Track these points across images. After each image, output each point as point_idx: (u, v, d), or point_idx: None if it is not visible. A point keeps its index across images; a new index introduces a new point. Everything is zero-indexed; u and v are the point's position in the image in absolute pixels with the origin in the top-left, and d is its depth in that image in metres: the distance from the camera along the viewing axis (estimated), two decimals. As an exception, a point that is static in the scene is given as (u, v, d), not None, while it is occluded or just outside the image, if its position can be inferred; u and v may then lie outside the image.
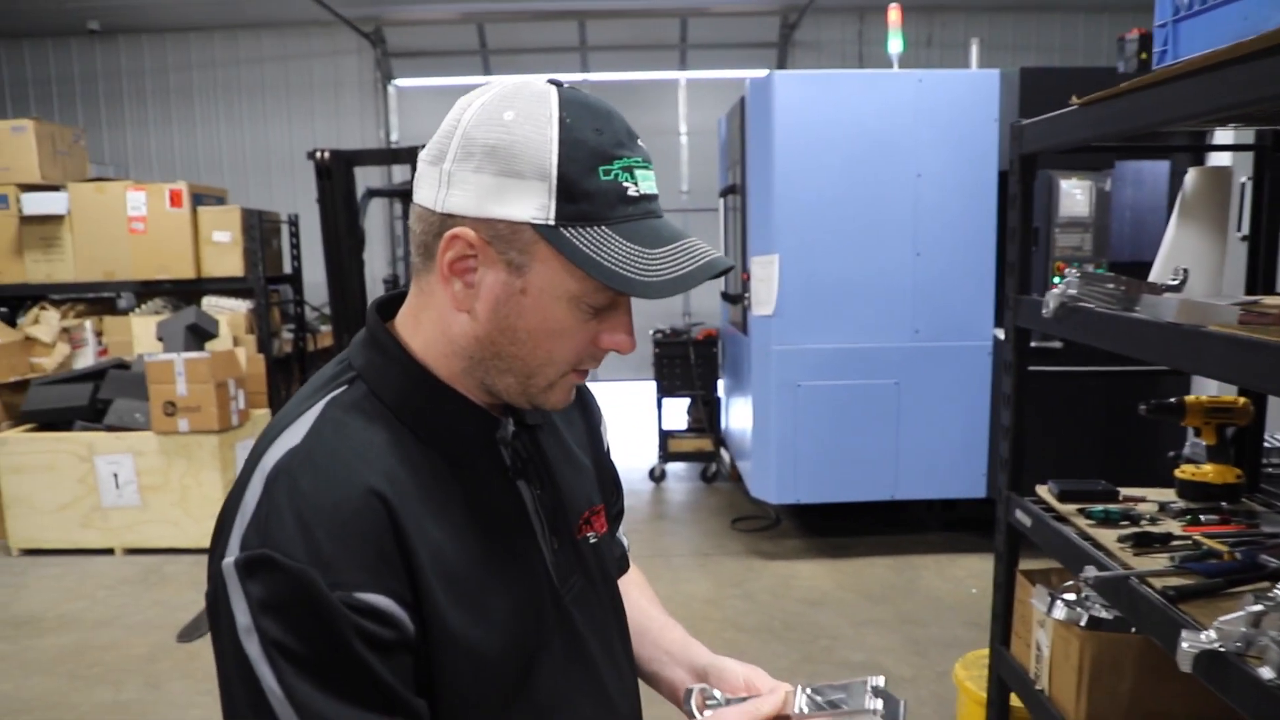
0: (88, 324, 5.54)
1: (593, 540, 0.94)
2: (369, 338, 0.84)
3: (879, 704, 0.82)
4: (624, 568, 1.14)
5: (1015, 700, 2.28)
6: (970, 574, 4.32)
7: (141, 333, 5.25)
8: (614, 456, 1.12)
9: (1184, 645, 1.31)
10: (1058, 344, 3.93)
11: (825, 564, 4.54)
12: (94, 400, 4.80)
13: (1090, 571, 1.57)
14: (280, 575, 0.69)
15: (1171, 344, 1.41)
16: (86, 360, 5.41)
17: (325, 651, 0.69)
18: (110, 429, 4.70)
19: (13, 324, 5.45)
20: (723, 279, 5.38)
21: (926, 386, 4.47)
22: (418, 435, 0.80)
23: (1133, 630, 1.81)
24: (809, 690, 0.86)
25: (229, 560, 0.71)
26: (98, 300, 5.91)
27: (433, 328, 0.81)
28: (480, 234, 0.75)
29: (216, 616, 0.72)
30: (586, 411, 1.06)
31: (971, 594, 4.09)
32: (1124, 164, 4.04)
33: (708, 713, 0.90)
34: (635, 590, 1.14)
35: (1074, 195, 3.96)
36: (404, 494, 0.76)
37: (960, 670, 2.56)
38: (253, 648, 0.69)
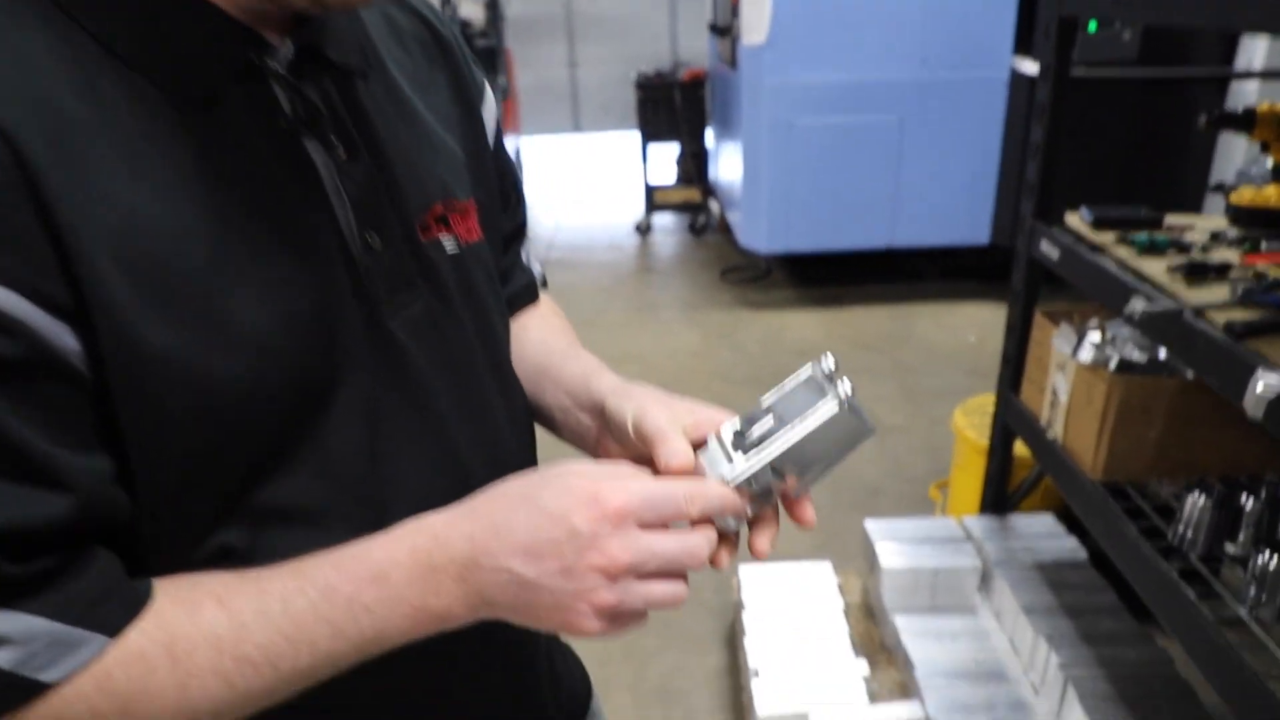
0: None
1: (450, 248, 0.65)
2: None
3: (828, 408, 0.56)
4: (528, 298, 0.87)
5: (1018, 449, 2.14)
6: (969, 322, 4.15)
7: None
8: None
9: (1259, 388, 1.09)
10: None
11: (817, 314, 4.36)
12: None
13: (1139, 305, 1.32)
14: None
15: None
16: None
17: None
18: None
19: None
20: (711, 7, 4.81)
21: (932, 124, 4.08)
22: (114, 51, 0.49)
23: (1171, 375, 1.60)
24: (736, 425, 0.61)
25: None
26: None
27: None
28: None
29: None
30: (458, 79, 0.74)
31: (969, 343, 3.93)
32: None
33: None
34: (538, 323, 0.87)
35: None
36: (64, 137, 0.46)
37: (960, 418, 2.41)
38: None
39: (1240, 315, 1.28)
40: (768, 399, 0.61)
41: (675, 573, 0.56)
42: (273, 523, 0.56)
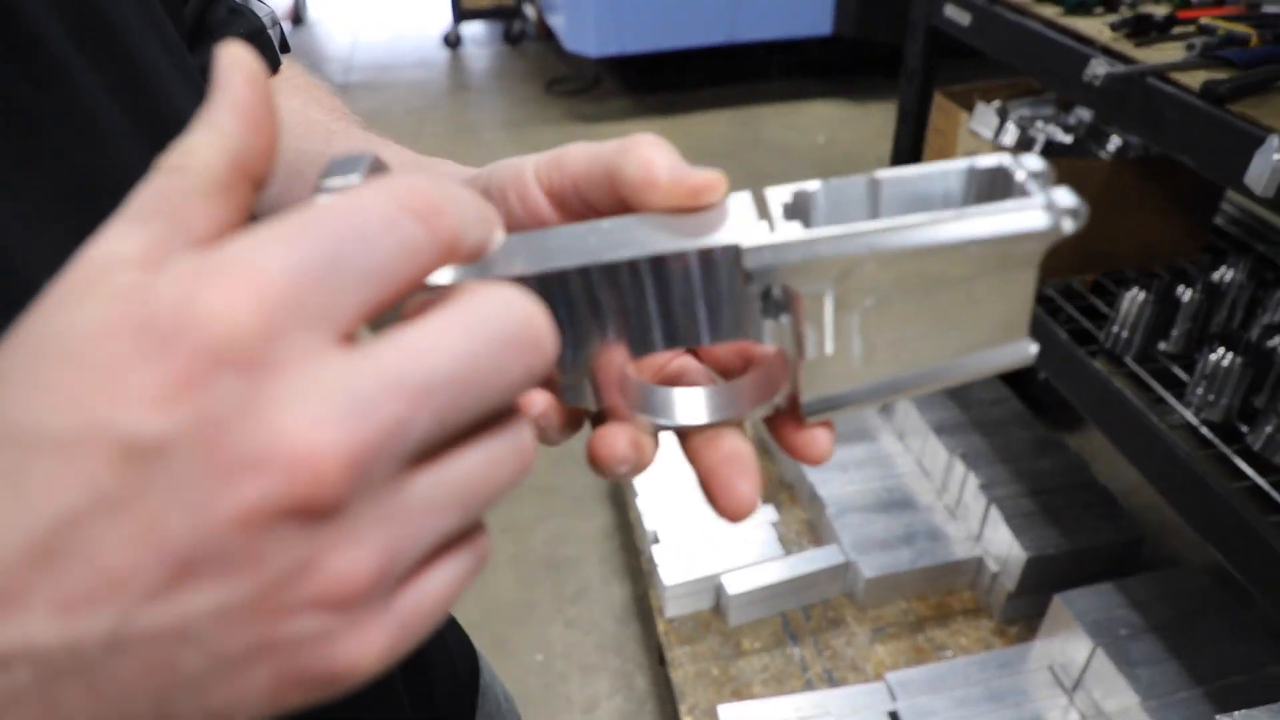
0: None
1: None
2: None
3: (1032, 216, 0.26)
4: (266, 61, 0.51)
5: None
6: (817, 121, 3.92)
7: None
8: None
9: (1275, 156, 0.88)
10: None
11: (657, 122, 4.01)
12: None
13: (1100, 67, 1.09)
14: None
15: None
16: None
17: None
18: None
19: None
20: None
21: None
22: None
23: (1093, 158, 1.41)
24: (787, 196, 0.28)
25: None
26: None
27: None
28: None
29: None
30: None
31: (819, 143, 3.72)
32: None
33: None
34: (294, 98, 0.52)
35: None
36: None
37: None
38: None
39: (1209, 76, 1.07)
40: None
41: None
42: None
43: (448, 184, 0.22)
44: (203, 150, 0.21)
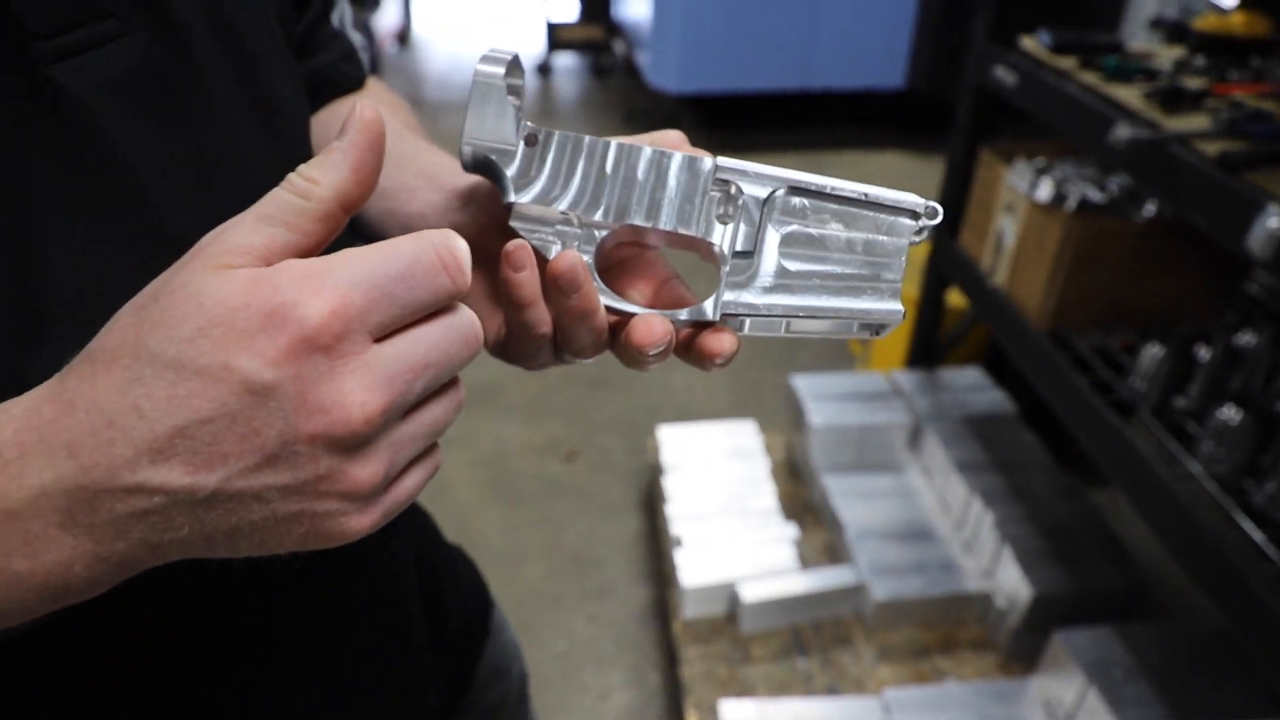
0: None
1: None
2: None
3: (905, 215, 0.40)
4: (347, 78, 0.64)
5: (950, 300, 2.03)
6: (882, 170, 4.01)
7: None
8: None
9: (1272, 223, 0.95)
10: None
11: (728, 162, 4.14)
12: None
13: (1124, 130, 1.17)
14: None
15: None
16: None
17: None
18: None
19: None
20: None
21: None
22: None
23: (1126, 218, 1.48)
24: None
25: None
26: None
27: None
28: None
29: None
30: None
31: (884, 191, 3.80)
32: None
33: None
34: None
35: None
36: None
37: (887, 268, 2.28)
38: None
39: (1229, 146, 1.14)
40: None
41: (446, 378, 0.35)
42: None
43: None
44: (321, 187, 0.33)
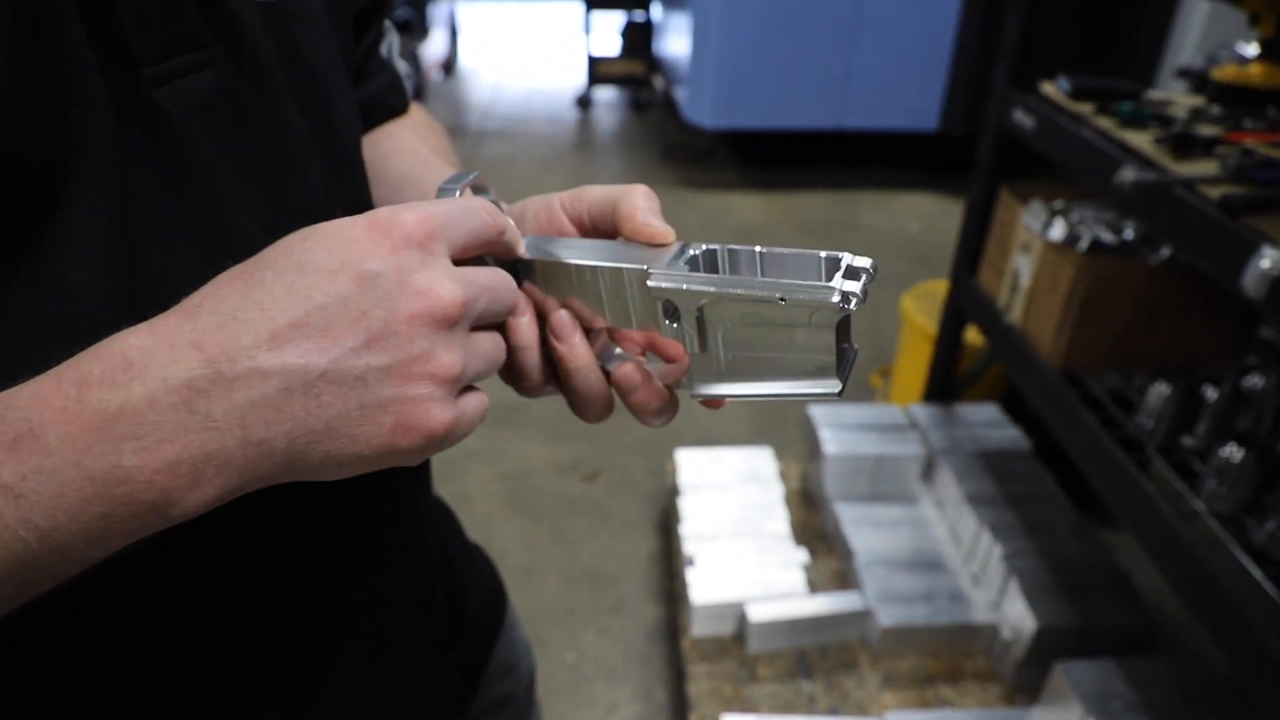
0: None
1: None
2: None
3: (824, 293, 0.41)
4: (393, 104, 0.71)
5: (969, 337, 2.06)
6: (912, 210, 4.05)
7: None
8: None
9: (1264, 264, 0.99)
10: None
11: (760, 196, 4.21)
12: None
13: (1130, 173, 1.21)
14: None
15: None
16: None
17: None
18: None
19: None
20: None
21: (890, 0, 3.87)
22: None
23: (1139, 260, 1.51)
24: (699, 249, 0.46)
25: None
26: None
27: None
28: None
29: None
30: None
31: (912, 231, 3.84)
32: None
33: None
34: (409, 133, 0.70)
35: None
36: None
37: (909, 302, 2.32)
38: None
39: (1232, 190, 1.18)
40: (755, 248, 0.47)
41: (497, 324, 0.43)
42: None
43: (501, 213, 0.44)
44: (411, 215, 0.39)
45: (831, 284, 0.40)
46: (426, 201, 0.39)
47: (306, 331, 0.34)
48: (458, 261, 0.40)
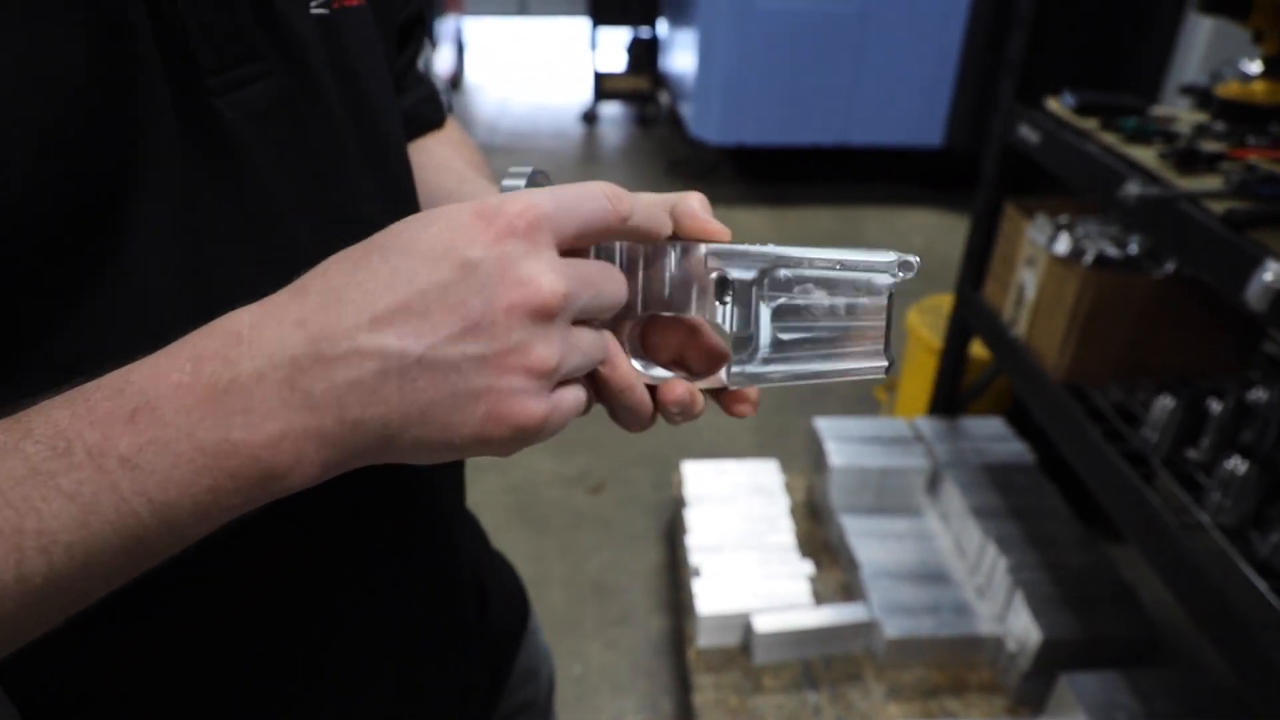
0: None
1: (319, 9, 0.48)
2: None
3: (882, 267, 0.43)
4: (431, 117, 0.72)
5: (974, 351, 2.07)
6: (916, 227, 4.07)
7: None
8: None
9: (1268, 277, 1.00)
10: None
11: (765, 212, 4.23)
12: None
13: (1134, 187, 1.22)
14: None
15: None
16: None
17: None
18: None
19: None
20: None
21: (895, 17, 3.90)
22: None
23: (1143, 274, 1.52)
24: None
25: None
26: None
27: None
28: None
29: None
30: None
31: (917, 246, 3.86)
32: None
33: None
34: (445, 148, 0.72)
35: None
36: None
37: (914, 316, 2.33)
38: None
39: (1236, 205, 1.19)
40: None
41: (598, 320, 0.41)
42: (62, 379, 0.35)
43: (637, 195, 0.41)
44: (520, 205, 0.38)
45: (889, 254, 0.42)
46: (532, 190, 0.38)
47: (406, 316, 0.34)
48: (572, 252, 0.39)
